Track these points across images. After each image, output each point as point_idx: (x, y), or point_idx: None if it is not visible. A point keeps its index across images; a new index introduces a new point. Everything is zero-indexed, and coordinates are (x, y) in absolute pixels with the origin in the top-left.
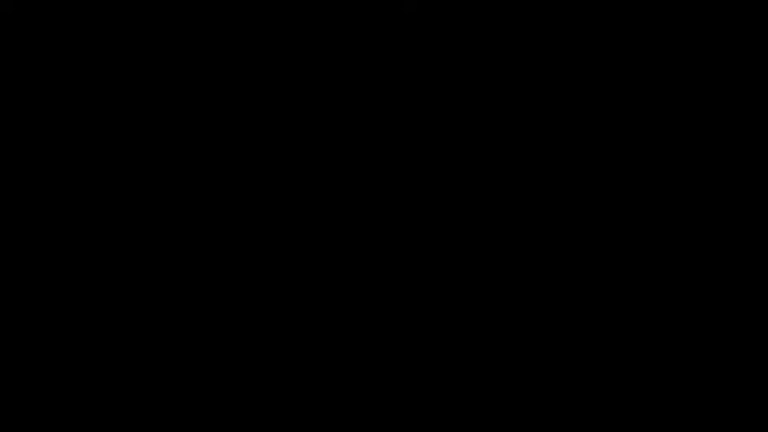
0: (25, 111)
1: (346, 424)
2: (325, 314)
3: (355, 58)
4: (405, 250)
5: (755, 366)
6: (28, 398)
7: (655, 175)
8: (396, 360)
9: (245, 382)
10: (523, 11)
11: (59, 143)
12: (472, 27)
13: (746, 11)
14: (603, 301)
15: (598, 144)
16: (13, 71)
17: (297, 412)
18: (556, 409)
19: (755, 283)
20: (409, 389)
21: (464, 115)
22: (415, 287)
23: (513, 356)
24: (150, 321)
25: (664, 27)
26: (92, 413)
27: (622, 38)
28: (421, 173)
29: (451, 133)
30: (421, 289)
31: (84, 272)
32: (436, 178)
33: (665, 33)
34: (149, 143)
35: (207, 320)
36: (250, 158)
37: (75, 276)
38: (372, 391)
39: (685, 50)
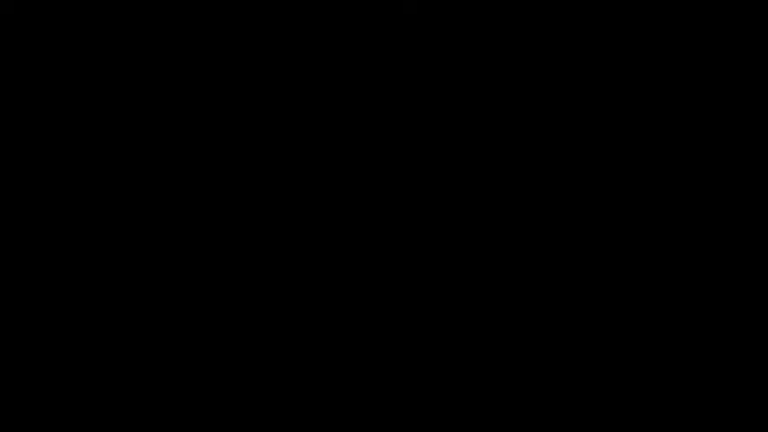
0: (25, 110)
1: (346, 424)
2: (324, 314)
3: (355, 58)
4: (404, 250)
5: (755, 366)
6: (28, 398)
7: (655, 174)
8: (396, 360)
9: (245, 382)
10: (523, 11)
11: (59, 143)
12: (472, 27)
13: (746, 11)
14: (603, 300)
15: (598, 144)
16: (13, 71)
17: (297, 412)
18: (556, 409)
19: (755, 282)
20: (409, 389)
21: (464, 115)
22: (415, 287)
23: (513, 356)
24: (150, 321)
25: (664, 27)
26: (92, 413)
27: (622, 38)
28: (421, 172)
29: (451, 133)
30: (420, 289)
31: (84, 271)
32: (436, 178)
33: (665, 33)
34: (149, 143)
35: (207, 320)
36: (250, 158)
37: (74, 276)
38: (372, 392)
39: (685, 50)
